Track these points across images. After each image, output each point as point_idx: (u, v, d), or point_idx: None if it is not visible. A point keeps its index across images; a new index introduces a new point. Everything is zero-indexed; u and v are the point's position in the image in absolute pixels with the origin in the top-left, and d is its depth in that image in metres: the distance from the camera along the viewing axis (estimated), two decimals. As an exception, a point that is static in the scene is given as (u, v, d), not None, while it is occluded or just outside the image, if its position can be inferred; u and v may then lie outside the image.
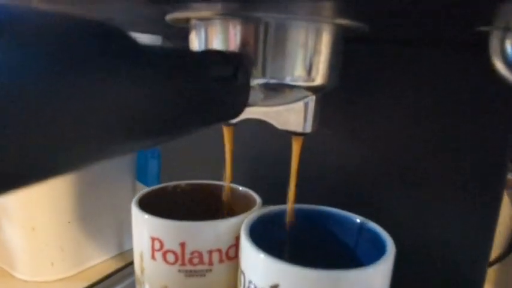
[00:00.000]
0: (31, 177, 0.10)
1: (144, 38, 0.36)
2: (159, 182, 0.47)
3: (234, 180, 0.30)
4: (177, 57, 0.14)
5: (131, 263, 0.44)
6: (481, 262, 0.30)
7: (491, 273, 0.44)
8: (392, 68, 0.29)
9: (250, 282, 0.22)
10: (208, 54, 0.17)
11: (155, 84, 0.12)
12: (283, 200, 0.26)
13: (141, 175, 0.49)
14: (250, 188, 0.31)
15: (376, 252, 0.24)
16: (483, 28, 0.18)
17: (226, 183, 0.30)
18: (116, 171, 0.47)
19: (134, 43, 0.12)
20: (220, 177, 0.31)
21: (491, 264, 0.42)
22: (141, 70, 0.12)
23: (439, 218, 0.30)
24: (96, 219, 0.46)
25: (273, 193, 0.29)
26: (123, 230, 0.49)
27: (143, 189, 0.29)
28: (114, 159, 0.14)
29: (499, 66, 0.17)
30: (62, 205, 0.42)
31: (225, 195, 0.30)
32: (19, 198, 0.40)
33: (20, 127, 0.09)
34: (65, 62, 0.10)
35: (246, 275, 0.22)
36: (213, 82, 0.16)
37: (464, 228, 0.30)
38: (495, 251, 0.43)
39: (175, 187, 0.31)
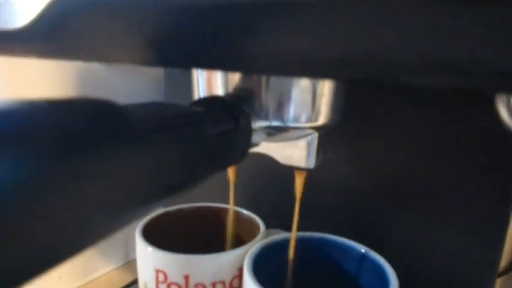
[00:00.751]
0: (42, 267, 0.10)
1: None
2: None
3: (238, 202, 0.30)
4: (174, 127, 0.13)
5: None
6: (489, 280, 0.30)
7: (497, 283, 0.44)
8: (397, 95, 0.29)
9: (253, 317, 0.22)
10: (208, 108, 0.17)
11: (154, 157, 0.13)
12: (286, 222, 0.26)
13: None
14: (253, 209, 0.31)
15: (378, 283, 0.24)
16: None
17: (230, 207, 0.30)
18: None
19: (129, 120, 0.12)
20: (225, 197, 0.31)
21: (499, 275, 0.42)
22: (138, 147, 0.12)
23: (445, 240, 0.30)
24: (103, 231, 0.47)
25: (277, 214, 0.29)
26: (130, 239, 0.50)
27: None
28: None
29: (505, 117, 0.17)
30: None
31: (229, 220, 0.30)
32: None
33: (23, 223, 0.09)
34: (64, 151, 0.10)
35: (249, 309, 0.23)
36: (212, 139, 0.16)
37: (472, 245, 0.30)
38: (502, 263, 0.43)
39: (178, 211, 0.31)
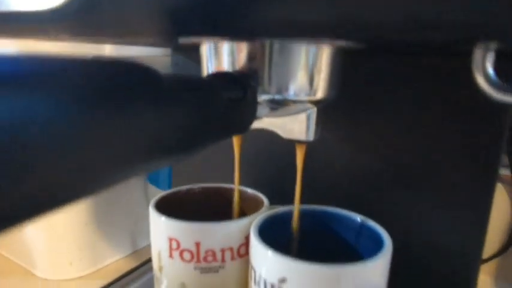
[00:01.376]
0: (58, 202, 0.11)
1: (154, 51, 0.38)
2: (170, 184, 0.49)
3: (243, 182, 0.32)
4: (193, 88, 0.16)
5: (146, 262, 0.46)
6: (474, 258, 0.32)
7: (491, 266, 0.46)
8: (392, 76, 0.31)
9: (260, 276, 0.24)
10: (220, 79, 0.19)
11: (175, 113, 0.15)
12: (288, 199, 0.28)
13: (152, 177, 0.51)
14: (257, 188, 0.33)
15: (375, 247, 0.26)
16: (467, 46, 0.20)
17: (235, 186, 0.32)
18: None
19: (157, 78, 0.14)
20: (229, 179, 0.33)
21: (491, 258, 0.45)
22: (163, 103, 0.14)
23: (434, 217, 0.32)
24: (111, 220, 0.49)
25: (279, 192, 0.31)
26: (137, 229, 0.52)
27: (157, 193, 0.31)
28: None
29: (481, 82, 0.19)
30: (79, 208, 0.45)
31: (234, 198, 0.32)
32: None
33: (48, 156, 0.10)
34: (94, 99, 0.11)
35: (256, 270, 0.25)
36: (224, 104, 0.18)
37: (458, 225, 0.32)
38: (495, 246, 0.45)
39: (188, 190, 0.33)
